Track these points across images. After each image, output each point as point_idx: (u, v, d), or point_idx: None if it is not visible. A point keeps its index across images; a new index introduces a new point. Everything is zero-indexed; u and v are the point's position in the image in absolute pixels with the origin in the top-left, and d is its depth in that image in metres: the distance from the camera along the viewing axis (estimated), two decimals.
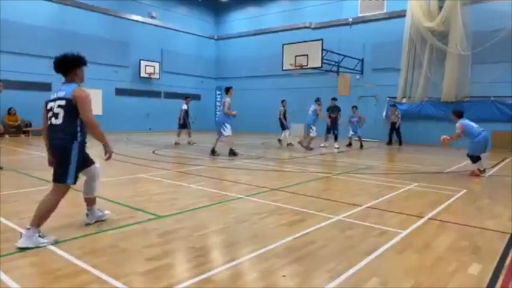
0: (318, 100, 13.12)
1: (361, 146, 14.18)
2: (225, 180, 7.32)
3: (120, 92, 20.20)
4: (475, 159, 8.06)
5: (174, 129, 14.84)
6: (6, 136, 15.02)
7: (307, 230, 4.00)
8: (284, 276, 2.89)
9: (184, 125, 14.36)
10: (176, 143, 13.96)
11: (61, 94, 3.64)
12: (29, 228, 3.37)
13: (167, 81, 22.62)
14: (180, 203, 5.17)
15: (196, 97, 23.30)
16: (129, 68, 20.82)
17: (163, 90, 22.61)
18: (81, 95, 3.58)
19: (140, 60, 21.06)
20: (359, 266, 3.09)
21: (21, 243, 3.30)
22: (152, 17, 21.88)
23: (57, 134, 3.61)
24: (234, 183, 6.95)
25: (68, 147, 3.59)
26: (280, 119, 14.64)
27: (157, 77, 21.84)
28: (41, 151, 11.26)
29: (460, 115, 8.19)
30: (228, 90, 10.63)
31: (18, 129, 16.27)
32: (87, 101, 3.60)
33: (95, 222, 4.08)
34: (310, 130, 12.85)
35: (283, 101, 14.95)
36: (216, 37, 25.69)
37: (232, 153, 10.48)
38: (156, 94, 22.32)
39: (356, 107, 15.08)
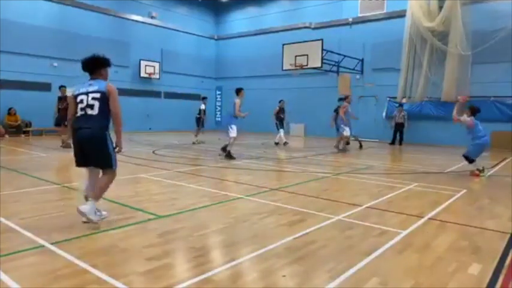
0: (339, 100, 12.96)
1: (361, 146, 14.17)
2: (225, 180, 7.32)
3: (120, 92, 19.52)
4: (470, 160, 8.13)
5: (174, 129, 14.85)
6: (7, 136, 15.01)
7: (307, 230, 4.00)
8: (284, 276, 2.89)
9: (200, 124, 14.60)
10: (196, 142, 14.30)
11: (94, 88, 3.97)
12: (90, 200, 3.84)
13: (167, 81, 22.62)
14: (180, 203, 5.17)
15: (196, 97, 23.29)
16: (129, 68, 20.81)
17: (163, 90, 22.61)
18: (114, 89, 4.04)
19: (140, 60, 21.06)
20: (359, 266, 3.09)
21: (83, 208, 3.76)
22: (152, 17, 21.88)
23: (90, 123, 3.89)
24: (234, 183, 6.96)
25: (103, 137, 3.94)
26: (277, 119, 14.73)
27: (157, 77, 21.84)
28: (40, 151, 11.25)
29: (475, 111, 8.00)
30: (239, 91, 10.31)
31: (18, 129, 16.24)
32: (117, 95, 4.08)
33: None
34: (342, 131, 12.62)
35: (280, 101, 14.99)
36: (216, 37, 25.69)
37: (229, 155, 10.12)
38: (156, 94, 22.32)
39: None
